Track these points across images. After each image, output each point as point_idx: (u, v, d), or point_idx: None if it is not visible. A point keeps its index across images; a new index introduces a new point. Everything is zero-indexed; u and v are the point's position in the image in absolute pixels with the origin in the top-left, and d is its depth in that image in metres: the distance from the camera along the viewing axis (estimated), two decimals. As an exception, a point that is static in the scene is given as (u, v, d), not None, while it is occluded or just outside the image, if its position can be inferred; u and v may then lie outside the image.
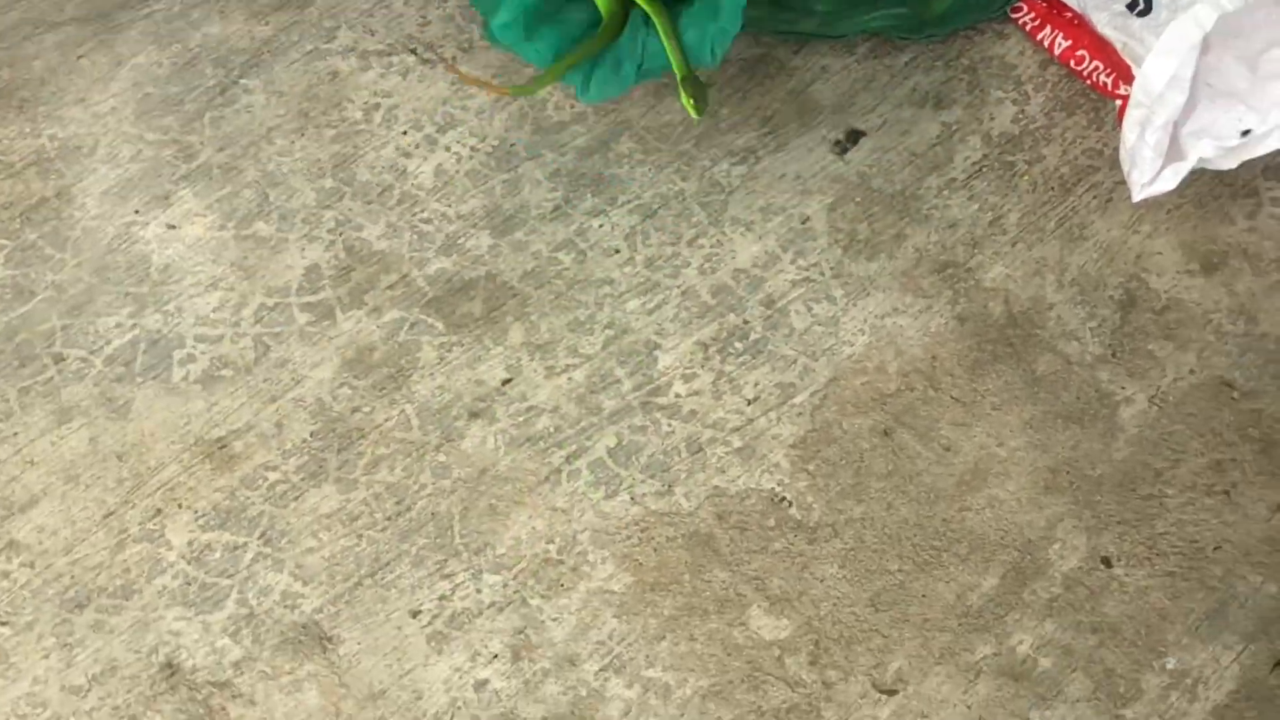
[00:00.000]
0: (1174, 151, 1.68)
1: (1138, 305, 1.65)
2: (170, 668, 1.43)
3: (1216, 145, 1.67)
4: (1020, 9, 1.84)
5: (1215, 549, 1.50)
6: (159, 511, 1.50)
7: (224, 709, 1.42)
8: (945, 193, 1.72)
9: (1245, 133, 1.70)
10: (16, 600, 1.47)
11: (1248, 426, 1.57)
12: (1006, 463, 1.53)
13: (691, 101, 1.64)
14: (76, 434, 1.56)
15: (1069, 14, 1.81)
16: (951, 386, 1.58)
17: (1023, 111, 1.79)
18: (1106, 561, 1.50)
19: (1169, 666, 1.46)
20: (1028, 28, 1.83)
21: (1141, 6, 1.70)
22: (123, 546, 1.49)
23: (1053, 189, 1.73)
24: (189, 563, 1.48)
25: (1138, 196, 1.68)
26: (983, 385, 1.58)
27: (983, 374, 1.59)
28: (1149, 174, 1.67)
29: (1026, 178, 1.74)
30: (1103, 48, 1.77)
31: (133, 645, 1.44)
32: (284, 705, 1.42)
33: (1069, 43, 1.81)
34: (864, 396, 1.57)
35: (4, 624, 1.46)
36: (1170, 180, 1.67)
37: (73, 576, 1.47)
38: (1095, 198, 1.71)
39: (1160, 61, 1.63)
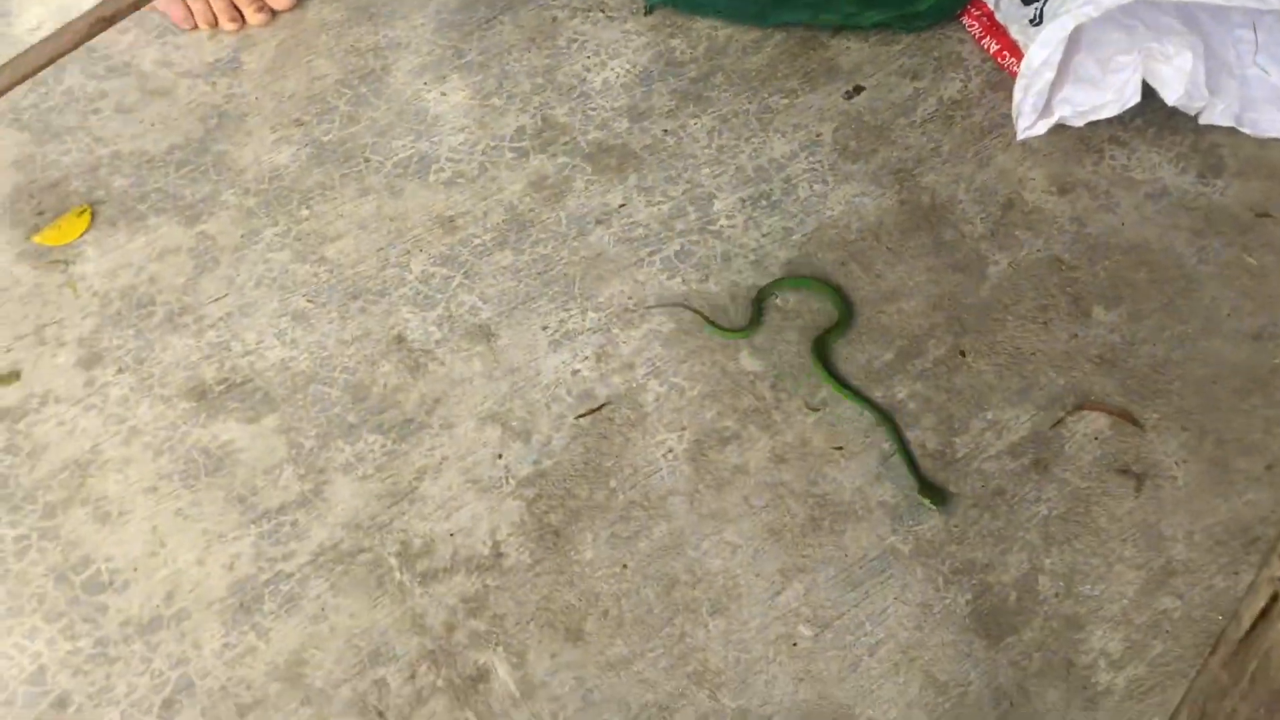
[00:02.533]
0: (1047, 111, 2.13)
1: (1014, 208, 2.09)
2: (400, 339, 1.92)
3: (1074, 110, 2.13)
4: (973, 25, 2.27)
5: (1032, 353, 1.91)
6: (408, 252, 2.02)
7: (426, 365, 1.90)
8: (907, 129, 2.19)
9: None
10: (321, 288, 1.99)
11: (1066, 286, 1.99)
12: (913, 288, 1.99)
13: (928, 499, 1.78)
14: (369, 203, 2.07)
15: (999, 28, 2.25)
16: (889, 241, 2.04)
17: (966, 87, 2.25)
18: (962, 353, 1.91)
19: (988, 417, 1.86)
20: (976, 36, 2.29)
21: (1038, 20, 2.12)
22: (384, 267, 2.00)
23: (974, 134, 2.18)
24: (421, 282, 1.98)
25: (1019, 137, 2.13)
26: (908, 243, 2.04)
27: (909, 237, 2.04)
28: (1027, 123, 2.14)
29: (960, 126, 2.19)
30: (1016, 49, 2.20)
31: (381, 323, 1.93)
32: (460, 367, 1.90)
33: (998, 45, 2.25)
34: (834, 240, 2.04)
35: (311, 301, 1.98)
36: (1041, 128, 2.13)
37: (354, 280, 1.98)
38: (1000, 141, 2.18)
39: (1038, 51, 2.05)
